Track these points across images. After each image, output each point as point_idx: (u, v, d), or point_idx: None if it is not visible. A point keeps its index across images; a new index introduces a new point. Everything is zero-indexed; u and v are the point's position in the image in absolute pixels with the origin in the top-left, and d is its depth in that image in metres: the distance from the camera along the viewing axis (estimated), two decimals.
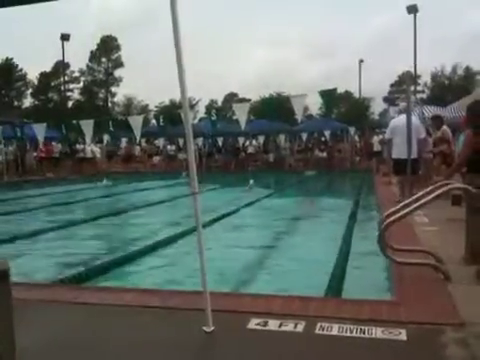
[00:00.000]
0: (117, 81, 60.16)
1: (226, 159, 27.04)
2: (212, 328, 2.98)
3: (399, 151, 8.75)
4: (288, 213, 10.00)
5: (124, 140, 29.41)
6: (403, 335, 2.84)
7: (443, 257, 4.14)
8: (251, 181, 14.85)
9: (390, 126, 9.35)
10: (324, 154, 26.13)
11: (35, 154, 25.04)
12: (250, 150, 27.05)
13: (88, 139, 22.18)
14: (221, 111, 56.91)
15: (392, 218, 3.96)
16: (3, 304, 1.90)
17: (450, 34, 68.79)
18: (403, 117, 9.04)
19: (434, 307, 3.29)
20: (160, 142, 29.36)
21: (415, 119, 9.59)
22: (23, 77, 56.98)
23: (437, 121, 10.27)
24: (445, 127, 9.95)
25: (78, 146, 25.90)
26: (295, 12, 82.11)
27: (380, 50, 74.22)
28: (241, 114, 18.77)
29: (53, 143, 25.48)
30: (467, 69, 52.98)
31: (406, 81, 11.84)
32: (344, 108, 57.94)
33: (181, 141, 25.80)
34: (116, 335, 3.08)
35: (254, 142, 27.51)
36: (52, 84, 57.04)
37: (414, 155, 8.54)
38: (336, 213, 9.60)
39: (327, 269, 4.86)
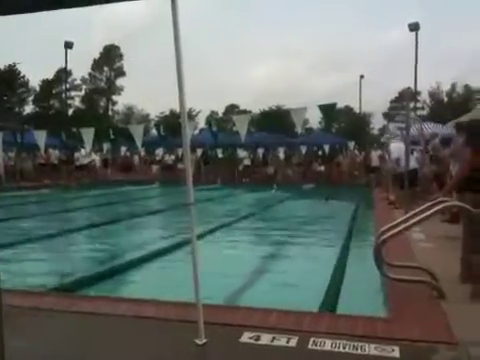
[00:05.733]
0: (118, 90, 60.38)
1: (224, 170, 26.92)
2: (204, 340, 2.96)
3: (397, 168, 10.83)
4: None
5: (124, 149, 29.42)
6: (396, 352, 2.83)
7: (438, 274, 4.13)
8: (275, 186, 20.68)
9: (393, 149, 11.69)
10: (322, 168, 26.12)
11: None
12: (246, 162, 27.01)
13: (88, 147, 22.18)
14: (221, 122, 57.00)
15: (388, 234, 3.96)
16: None
17: (453, 52, 69.03)
18: (401, 144, 10.79)
19: (428, 325, 3.28)
20: (160, 152, 29.36)
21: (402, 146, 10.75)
22: (25, 84, 57.13)
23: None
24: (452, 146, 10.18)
25: (77, 154, 25.79)
26: (299, 27, 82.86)
27: (383, 66, 74.62)
28: (241, 126, 18.83)
29: (50, 150, 25.33)
30: (466, 87, 53.28)
31: (405, 97, 12.10)
32: (344, 123, 58.15)
33: (180, 151, 25.73)
34: (109, 345, 3.06)
35: (251, 155, 27.45)
36: (54, 91, 57.17)
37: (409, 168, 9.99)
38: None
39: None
